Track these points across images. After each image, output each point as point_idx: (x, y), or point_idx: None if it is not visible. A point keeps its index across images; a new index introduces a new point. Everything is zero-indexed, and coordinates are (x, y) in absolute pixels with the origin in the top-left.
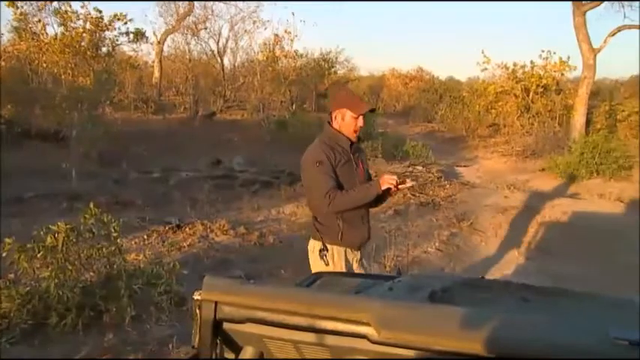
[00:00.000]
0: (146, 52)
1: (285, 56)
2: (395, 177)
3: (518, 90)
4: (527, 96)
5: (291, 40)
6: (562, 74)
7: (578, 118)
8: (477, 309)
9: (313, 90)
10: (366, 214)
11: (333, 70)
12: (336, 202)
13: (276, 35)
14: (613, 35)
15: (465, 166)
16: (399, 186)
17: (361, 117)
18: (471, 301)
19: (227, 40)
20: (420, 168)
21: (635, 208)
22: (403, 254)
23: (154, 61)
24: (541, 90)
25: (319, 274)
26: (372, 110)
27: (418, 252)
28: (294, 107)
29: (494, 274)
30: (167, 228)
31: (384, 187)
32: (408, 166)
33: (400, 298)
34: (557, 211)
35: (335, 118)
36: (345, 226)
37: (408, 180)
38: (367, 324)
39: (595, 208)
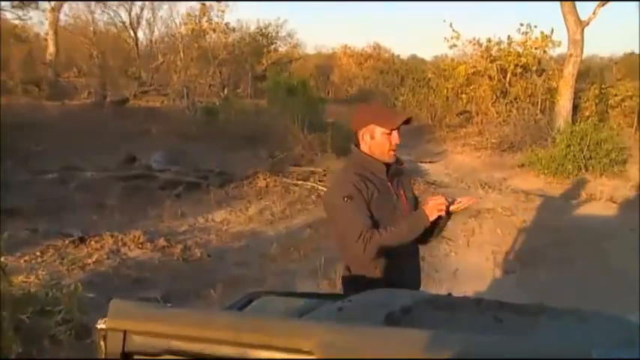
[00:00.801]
0: (37, 22)
1: (215, 30)
2: (443, 199)
3: (493, 71)
4: (504, 78)
5: (222, 11)
6: (544, 52)
7: (564, 104)
8: (442, 332)
9: (249, 71)
10: (415, 254)
11: (272, 47)
12: (372, 245)
13: (203, 4)
14: (603, 5)
15: (431, 161)
16: (451, 208)
17: (395, 132)
18: (435, 323)
19: (142, 10)
20: None
21: (629, 209)
22: None
23: (47, 33)
24: (520, 71)
25: (256, 294)
26: (408, 122)
27: None
28: (225, 92)
29: (466, 289)
30: (67, 242)
31: (432, 217)
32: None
33: (351, 321)
34: (539, 214)
35: (362, 138)
36: (386, 273)
37: (461, 198)
38: (309, 352)
39: (584, 210)
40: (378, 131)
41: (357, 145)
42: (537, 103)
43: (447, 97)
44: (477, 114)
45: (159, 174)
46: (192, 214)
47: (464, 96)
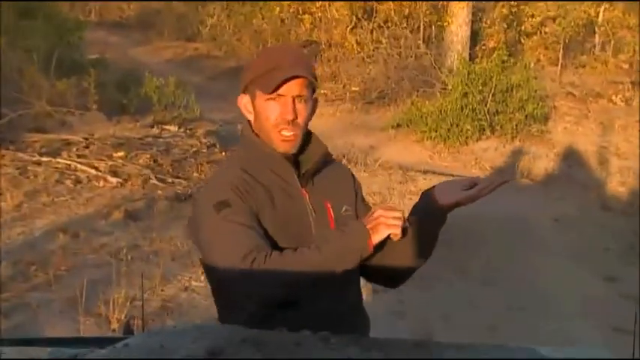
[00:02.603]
0: None
1: None
2: (398, 212)
3: None
4: None
5: None
6: None
7: (457, 31)
8: None
9: None
10: (351, 291)
11: None
12: (266, 270)
13: None
14: None
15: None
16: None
17: (289, 101)
18: None
19: None
20: (173, 130)
21: (553, 189)
22: (147, 294)
23: None
24: None
25: None
26: (297, 77)
27: (173, 289)
28: None
29: None
30: None
31: (377, 237)
32: (152, 127)
33: None
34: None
35: (247, 108)
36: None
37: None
38: None
39: (489, 196)
40: (259, 96)
41: (250, 122)
42: (419, 28)
43: (282, 20)
44: (329, 46)
45: None
46: None
47: (306, 18)
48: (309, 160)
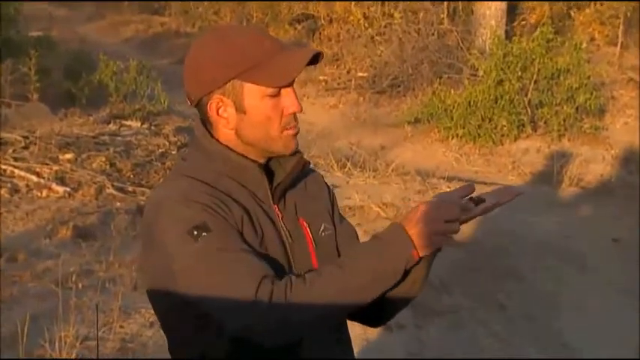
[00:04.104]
0: None
1: None
2: (456, 201)
3: None
4: None
5: None
6: None
7: (490, 2)
8: None
9: None
10: (339, 337)
11: None
12: (293, 303)
13: None
14: None
15: None
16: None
17: (291, 90)
18: None
19: None
20: (135, 126)
21: (611, 200)
22: (103, 332)
23: None
24: None
25: None
26: (315, 61)
27: (135, 325)
28: None
29: None
30: None
31: (427, 249)
32: (108, 122)
33: None
34: None
35: (217, 113)
36: None
37: (491, 192)
38: None
39: (530, 204)
40: (254, 93)
41: (207, 126)
42: (442, 1)
43: None
44: (329, 22)
45: None
46: None
47: None
48: (282, 169)
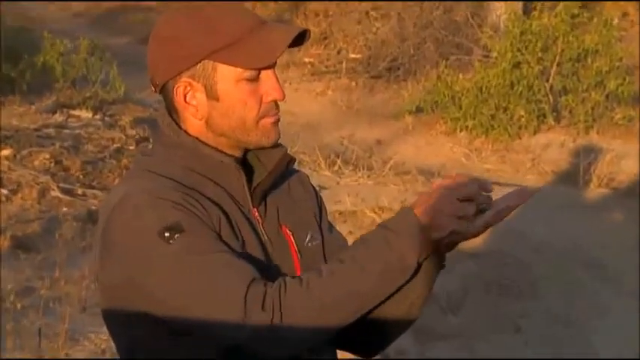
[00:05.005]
0: None
1: None
2: (471, 186)
3: None
4: None
5: None
6: None
7: None
8: None
9: None
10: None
11: None
12: (292, 307)
13: None
14: None
15: None
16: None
17: (272, 72)
18: None
19: None
20: (85, 117)
21: None
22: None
23: None
24: None
25: None
26: (300, 40)
27: (83, 352)
28: None
29: None
30: None
31: (438, 234)
32: (54, 112)
33: None
34: None
35: (184, 100)
36: None
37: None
38: None
39: (552, 207)
40: (228, 76)
41: (173, 116)
42: None
43: None
44: None
45: None
46: None
47: None
48: (262, 167)
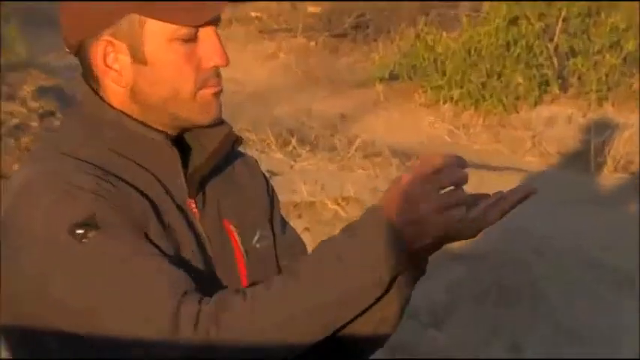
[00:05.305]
0: None
1: None
2: (444, 168)
3: None
4: None
5: None
6: None
7: None
8: None
9: None
10: None
11: None
12: (234, 330)
13: None
14: None
15: None
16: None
17: (212, 30)
18: None
19: None
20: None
21: None
22: None
23: None
24: None
25: None
26: None
27: None
28: None
29: None
30: None
31: (421, 240)
32: None
33: None
34: None
35: (104, 63)
36: None
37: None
38: None
39: (556, 197)
40: (159, 35)
41: (91, 84)
42: None
43: None
44: None
45: None
46: None
47: None
48: (201, 148)
